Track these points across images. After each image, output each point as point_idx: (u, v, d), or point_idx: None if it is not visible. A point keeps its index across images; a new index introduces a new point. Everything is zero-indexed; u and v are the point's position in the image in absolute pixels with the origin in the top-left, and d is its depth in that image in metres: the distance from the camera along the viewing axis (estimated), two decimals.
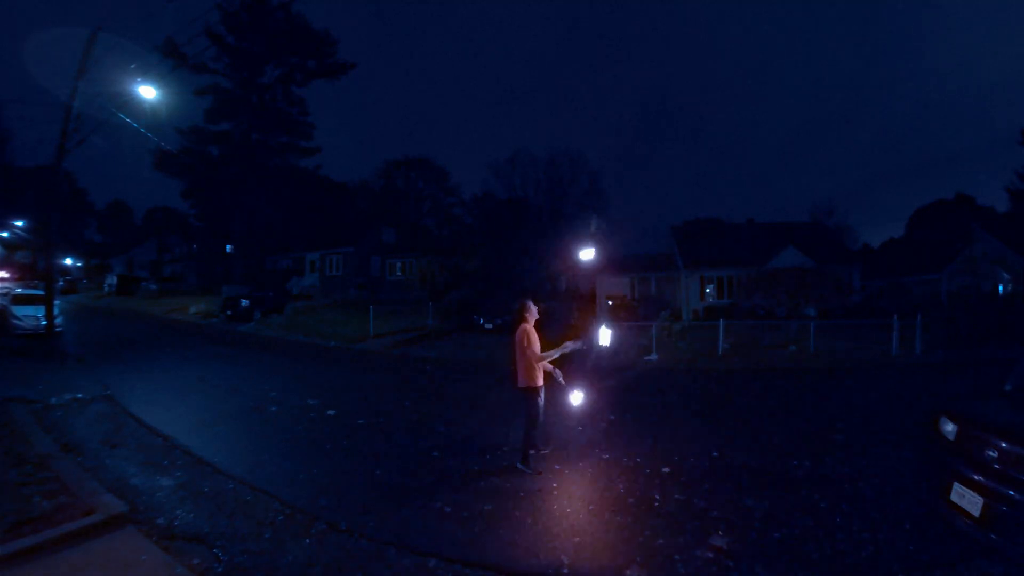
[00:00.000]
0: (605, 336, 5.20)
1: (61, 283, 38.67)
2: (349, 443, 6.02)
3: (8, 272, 29.81)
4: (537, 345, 5.00)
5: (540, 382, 5.02)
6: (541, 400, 5.04)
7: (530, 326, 5.06)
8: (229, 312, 22.77)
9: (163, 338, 17.22)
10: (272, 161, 40.69)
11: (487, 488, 4.60)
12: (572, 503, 4.30)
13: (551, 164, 37.45)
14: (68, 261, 51.69)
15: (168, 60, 12.60)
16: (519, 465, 5.00)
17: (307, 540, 3.66)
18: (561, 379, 5.26)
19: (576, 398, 5.29)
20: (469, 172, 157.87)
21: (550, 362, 5.10)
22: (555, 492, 4.52)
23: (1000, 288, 24.74)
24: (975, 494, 3.12)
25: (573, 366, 5.23)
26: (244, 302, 22.78)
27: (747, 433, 6.38)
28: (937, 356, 12.65)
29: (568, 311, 20.19)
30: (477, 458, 5.41)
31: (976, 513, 3.09)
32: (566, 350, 5.05)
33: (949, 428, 3.57)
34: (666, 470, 5.05)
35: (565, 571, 3.29)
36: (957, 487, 3.26)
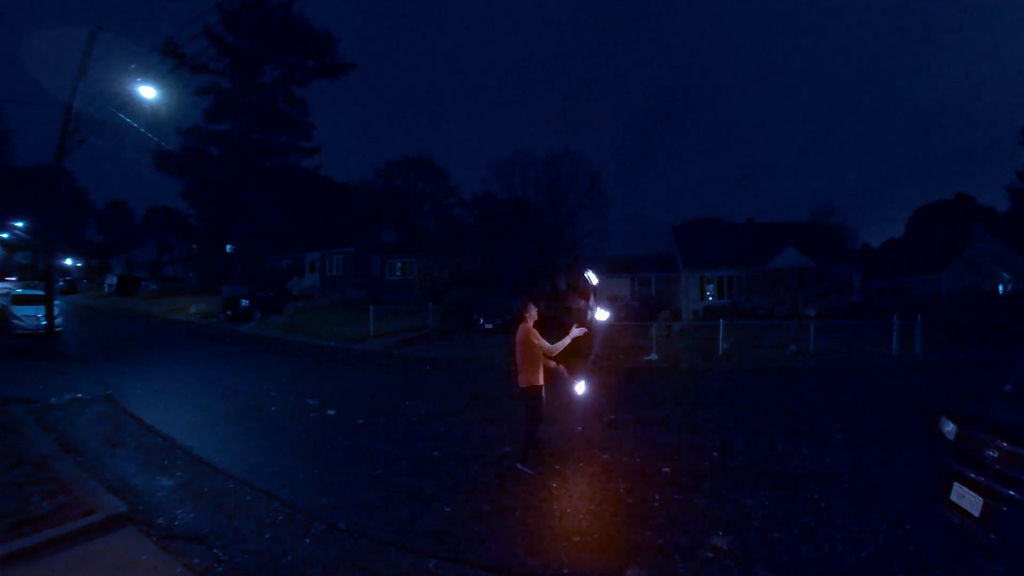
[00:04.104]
0: (580, 388, 5.28)
1: (61, 283, 38.65)
2: (349, 443, 6.03)
3: (12, 276, 29.87)
4: (541, 341, 5.01)
5: (541, 382, 5.03)
6: (543, 399, 5.05)
7: (531, 326, 5.07)
8: (229, 312, 22.75)
9: (163, 338, 17.22)
10: (272, 161, 40.68)
11: (487, 488, 4.61)
12: (572, 503, 4.29)
13: (551, 164, 37.28)
14: (68, 261, 51.65)
15: (168, 60, 12.57)
16: (519, 465, 5.01)
17: (307, 540, 3.66)
18: (565, 372, 5.27)
19: (580, 387, 5.31)
20: (469, 172, 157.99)
21: (554, 358, 5.13)
22: (555, 492, 4.52)
23: (1000, 288, 24.76)
24: (975, 494, 3.12)
25: (577, 361, 5.25)
26: (244, 302, 22.75)
27: (747, 433, 6.38)
28: (937, 356, 12.66)
29: (567, 312, 20.21)
30: (477, 458, 5.41)
31: (976, 513, 3.09)
32: (576, 335, 5.06)
33: (949, 428, 3.56)
34: (666, 470, 5.05)
35: (565, 571, 3.29)
36: (957, 487, 3.26)
